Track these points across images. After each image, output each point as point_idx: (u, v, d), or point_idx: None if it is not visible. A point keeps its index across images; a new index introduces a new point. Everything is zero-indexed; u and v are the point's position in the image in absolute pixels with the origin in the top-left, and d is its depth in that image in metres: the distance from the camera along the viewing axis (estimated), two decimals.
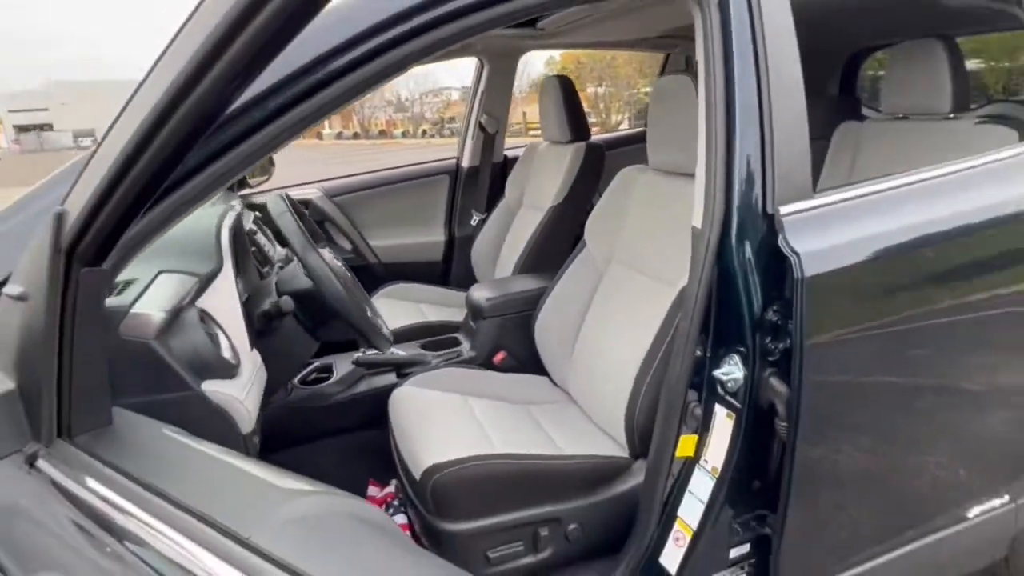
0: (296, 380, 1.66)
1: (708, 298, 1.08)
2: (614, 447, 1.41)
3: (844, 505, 1.18)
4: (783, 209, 1.04)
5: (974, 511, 1.33)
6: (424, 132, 32.89)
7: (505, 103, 2.48)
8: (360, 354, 1.71)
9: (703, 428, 1.14)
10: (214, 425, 0.89)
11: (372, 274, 2.49)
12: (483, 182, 2.55)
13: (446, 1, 0.85)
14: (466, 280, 2.53)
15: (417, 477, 1.25)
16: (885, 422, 1.14)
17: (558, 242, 2.11)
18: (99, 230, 0.56)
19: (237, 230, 1.27)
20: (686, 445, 1.17)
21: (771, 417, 1.08)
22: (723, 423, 1.11)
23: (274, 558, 0.47)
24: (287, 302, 1.17)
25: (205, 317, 0.95)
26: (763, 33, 1.06)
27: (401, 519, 1.51)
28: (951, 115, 1.71)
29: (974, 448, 1.29)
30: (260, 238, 1.48)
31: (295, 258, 1.20)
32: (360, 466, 1.70)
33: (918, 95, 1.72)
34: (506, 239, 2.35)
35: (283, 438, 1.63)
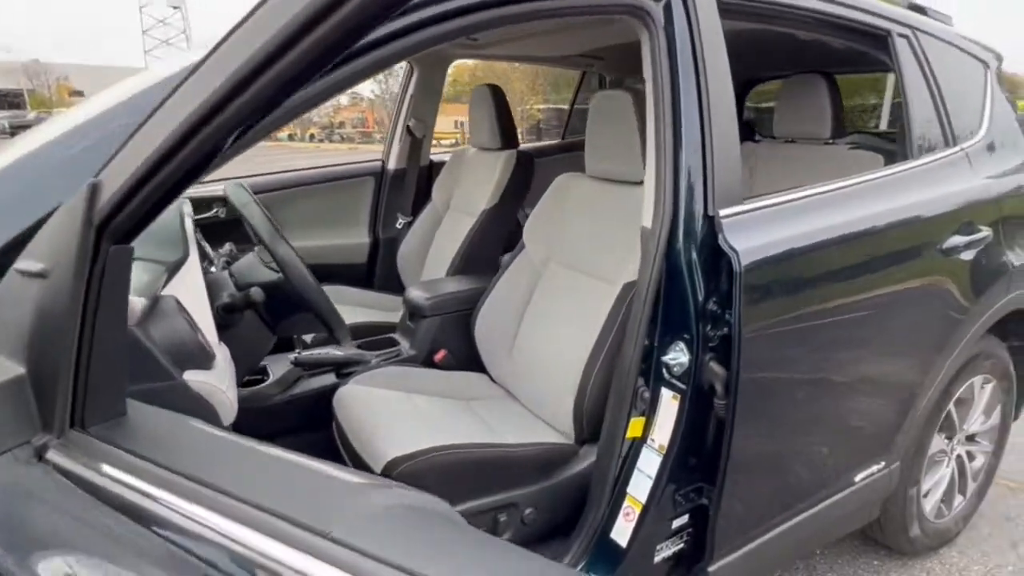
0: None
1: (657, 292, 1.20)
2: (558, 435, 1.49)
3: (768, 475, 1.35)
4: (722, 211, 1.18)
5: (860, 476, 1.56)
6: (312, 136, 31.67)
7: (433, 108, 2.52)
8: (297, 354, 1.66)
9: (650, 410, 1.25)
10: (198, 416, 0.85)
11: None
12: (409, 185, 2.56)
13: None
14: (390, 283, 2.52)
15: (378, 470, 1.25)
16: (801, 398, 1.32)
17: (489, 245, 2.18)
18: (136, 208, 0.54)
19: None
20: (635, 427, 1.27)
21: (711, 397, 1.21)
22: (669, 404, 1.22)
23: (377, 556, 0.45)
24: (257, 292, 1.13)
25: (179, 305, 0.91)
26: (702, 53, 1.20)
27: None
28: (830, 140, 2.00)
29: (866, 420, 1.51)
30: (195, 235, 1.41)
31: (255, 250, 1.16)
32: None
33: (805, 122, 1.98)
34: (434, 242, 2.37)
35: None
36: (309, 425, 1.61)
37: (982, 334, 1.70)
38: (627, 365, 1.24)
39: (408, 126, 2.48)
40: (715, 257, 1.18)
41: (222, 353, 0.97)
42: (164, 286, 0.90)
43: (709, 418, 1.24)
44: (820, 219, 1.28)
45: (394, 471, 1.22)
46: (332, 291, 2.30)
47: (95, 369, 0.57)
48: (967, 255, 1.56)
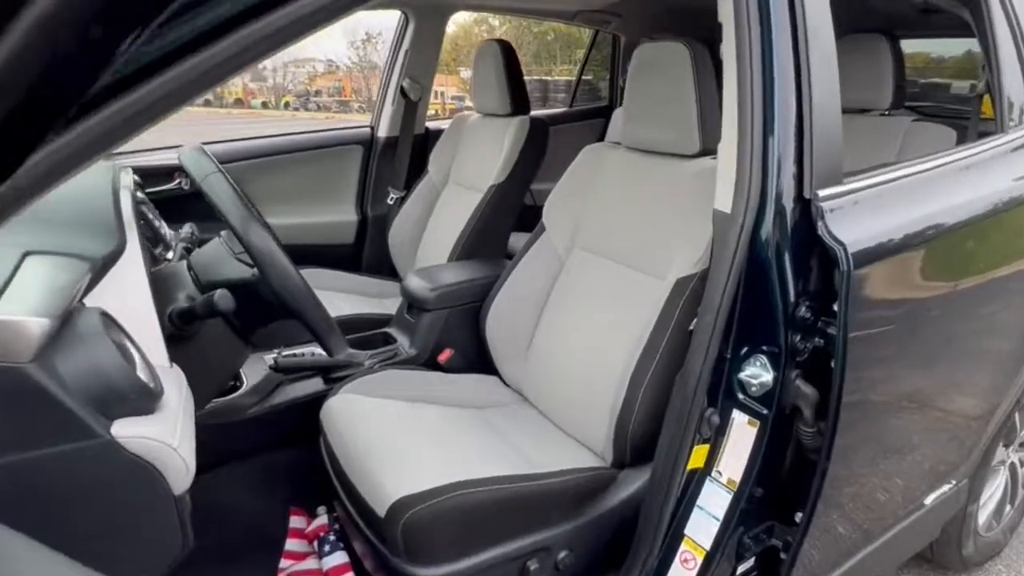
0: None
1: (736, 292, 0.96)
2: (591, 457, 1.26)
3: (852, 507, 1.13)
4: (821, 193, 0.94)
5: (931, 497, 1.37)
6: (287, 104, 30.57)
7: (431, 66, 2.21)
8: (275, 356, 1.39)
9: (719, 436, 1.02)
10: (132, 489, 0.59)
11: None
12: (402, 155, 2.26)
13: None
14: (380, 266, 2.25)
15: (381, 513, 1.00)
16: (897, 418, 1.10)
17: (498, 226, 1.91)
18: None
19: (134, 199, 0.92)
20: (697, 456, 1.04)
21: (796, 423, 0.99)
22: (744, 431, 0.99)
23: None
24: (225, 298, 0.85)
25: (107, 322, 0.64)
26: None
27: (340, 558, 1.24)
28: (887, 112, 1.76)
29: (949, 435, 1.31)
30: (146, 210, 1.11)
31: (221, 235, 0.88)
32: (281, 491, 1.40)
33: (860, 89, 1.74)
34: (430, 221, 2.10)
35: None
36: (293, 440, 1.35)
37: None
38: (692, 381, 1.00)
39: (402, 87, 2.17)
40: (810, 250, 0.94)
41: (173, 382, 0.70)
42: (85, 293, 0.63)
43: (791, 448, 1.01)
44: (935, 201, 1.05)
45: (403, 516, 0.97)
46: (313, 275, 2.02)
47: None
48: None
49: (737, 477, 1.00)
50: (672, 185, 1.28)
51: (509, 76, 1.88)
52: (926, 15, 1.93)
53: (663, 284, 1.20)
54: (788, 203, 0.93)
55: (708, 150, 1.21)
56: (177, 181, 1.94)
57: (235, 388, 1.35)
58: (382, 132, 2.26)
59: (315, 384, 1.43)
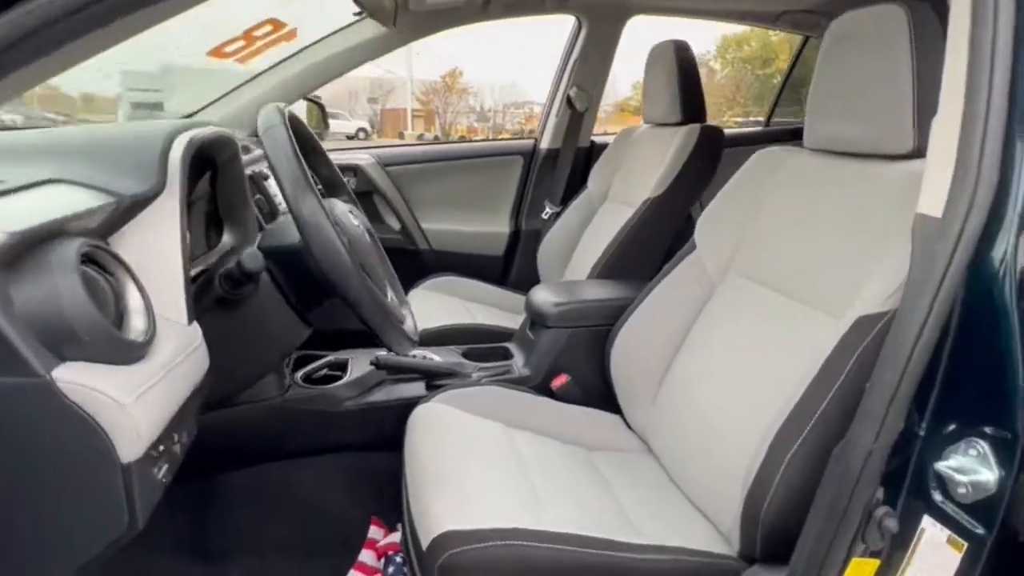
0: (299, 376, 1.30)
1: (942, 335, 0.64)
2: (716, 540, 0.97)
3: None
4: None
5: None
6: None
7: (602, 76, 2.09)
8: (383, 352, 1.34)
9: (896, 550, 0.69)
10: (68, 442, 0.52)
11: (420, 261, 2.15)
12: (562, 168, 2.16)
13: None
14: (529, 282, 2.14)
15: (424, 545, 0.85)
16: None
17: (649, 244, 1.69)
18: None
19: (217, 156, 0.92)
20: (858, 572, 0.71)
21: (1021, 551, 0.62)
22: (940, 553, 0.65)
23: None
24: (252, 258, 0.79)
25: (105, 259, 0.59)
26: None
27: None
28: None
29: None
30: (272, 185, 1.14)
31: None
32: (366, 495, 1.33)
33: None
34: (583, 237, 1.94)
35: (269, 447, 1.27)
36: (382, 444, 1.27)
37: None
38: (856, 461, 0.69)
39: (568, 96, 2.07)
40: None
41: (182, 340, 0.64)
42: (107, 228, 0.59)
43: None
44: None
45: (443, 553, 0.81)
46: (449, 281, 2.00)
47: None
48: None
49: None
50: (869, 194, 0.96)
51: (682, 80, 1.66)
52: None
53: (839, 323, 0.88)
54: None
55: (924, 149, 0.88)
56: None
57: (338, 378, 1.31)
58: (544, 143, 2.19)
59: (417, 388, 1.34)
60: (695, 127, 1.64)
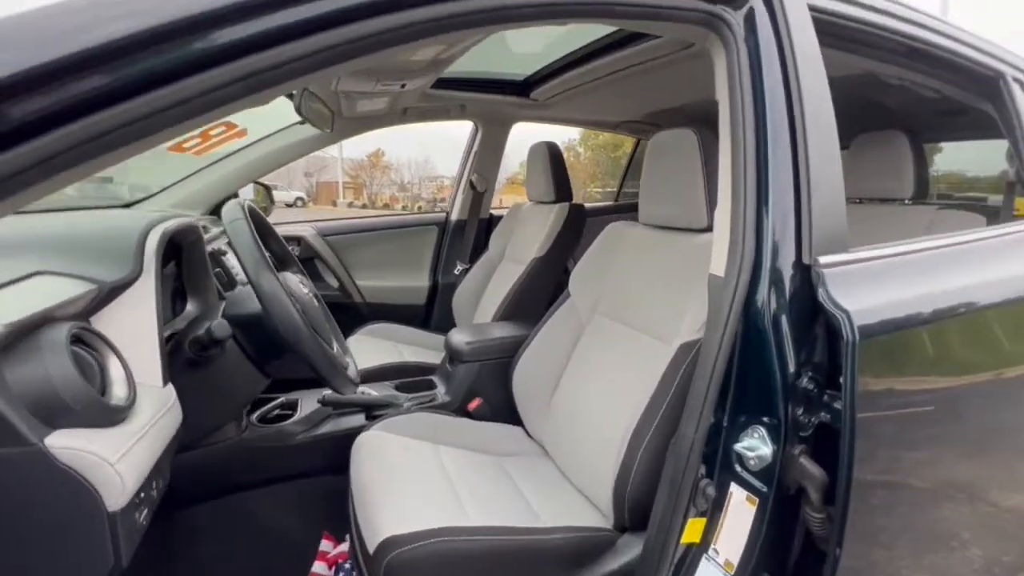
0: (255, 417, 1.23)
1: (730, 357, 0.75)
2: (596, 516, 1.03)
3: None
4: (821, 260, 0.73)
5: None
6: (419, 208, 33.07)
7: (495, 165, 2.20)
8: (327, 392, 1.30)
9: (715, 511, 0.78)
10: (60, 501, 0.49)
11: (356, 312, 2.10)
12: (469, 235, 2.23)
13: None
14: (446, 325, 2.16)
15: (371, 550, 0.84)
16: (938, 512, 0.81)
17: (537, 293, 1.78)
18: None
19: (183, 240, 0.90)
20: (692, 530, 0.80)
21: (801, 506, 0.73)
22: (742, 507, 0.75)
23: None
24: (221, 327, 0.78)
25: (89, 338, 0.57)
26: (796, 69, 0.78)
27: None
28: (908, 201, 1.48)
29: (998, 532, 0.95)
30: (229, 259, 1.10)
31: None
32: (316, 515, 1.26)
33: (880, 179, 1.49)
34: (487, 289, 2.01)
35: (230, 482, 1.19)
36: (330, 469, 1.23)
37: None
38: (685, 448, 0.78)
39: (471, 180, 2.17)
40: (812, 317, 0.72)
41: (158, 401, 0.62)
42: (89, 311, 0.57)
43: (798, 533, 0.75)
44: (949, 278, 0.80)
45: (387, 555, 0.80)
46: (382, 328, 1.98)
47: None
48: None
49: (735, 559, 0.75)
50: (682, 256, 1.10)
51: (553, 171, 1.81)
52: (950, 117, 1.66)
53: (669, 349, 1.00)
54: (785, 268, 0.73)
55: None
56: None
57: (289, 416, 1.26)
58: (454, 216, 2.25)
59: (358, 419, 1.31)
60: (565, 205, 1.78)
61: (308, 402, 1.32)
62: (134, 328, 0.64)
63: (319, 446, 1.24)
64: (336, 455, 1.23)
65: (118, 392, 0.57)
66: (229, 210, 0.82)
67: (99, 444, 0.51)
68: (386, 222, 2.21)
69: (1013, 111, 1.13)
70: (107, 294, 0.62)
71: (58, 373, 0.49)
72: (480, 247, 2.19)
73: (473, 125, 2.17)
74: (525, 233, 1.89)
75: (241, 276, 1.12)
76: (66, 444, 0.49)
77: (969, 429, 0.83)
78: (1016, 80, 1.16)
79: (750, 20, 0.79)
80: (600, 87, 1.67)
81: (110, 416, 0.54)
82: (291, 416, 1.26)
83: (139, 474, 0.55)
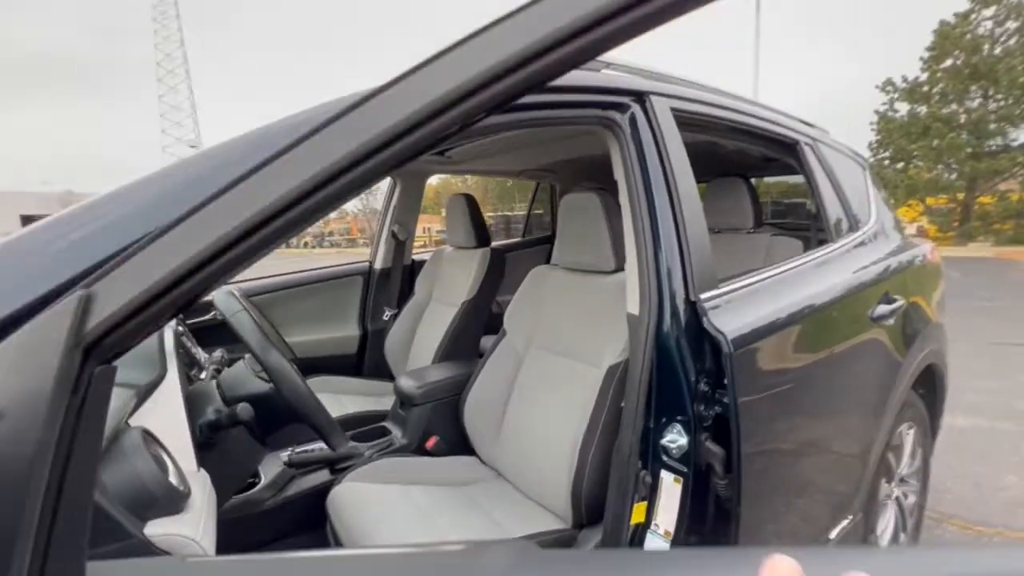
0: None
1: (650, 375, 1.00)
2: (555, 520, 1.22)
3: (773, 544, 1.11)
4: (702, 296, 1.01)
5: (834, 532, 1.34)
6: (306, 244, 31.21)
7: (414, 215, 2.34)
8: (289, 453, 1.34)
9: (653, 494, 1.01)
10: None
11: None
12: (394, 282, 2.33)
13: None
14: (379, 370, 2.23)
15: None
16: (791, 466, 1.11)
17: (471, 333, 1.94)
18: (135, 327, 0.32)
19: (176, 331, 0.93)
20: (638, 513, 1.02)
21: (711, 477, 0.99)
22: (671, 487, 0.99)
23: None
24: (246, 410, 0.85)
25: (147, 438, 0.63)
26: (667, 154, 1.06)
27: None
28: (752, 230, 1.92)
29: (838, 476, 1.31)
30: (185, 340, 1.12)
31: (245, 358, 0.89)
32: None
33: (729, 215, 1.91)
34: (418, 331, 2.12)
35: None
36: (304, 527, 1.27)
37: (909, 386, 1.56)
38: (625, 449, 1.01)
39: (393, 231, 2.29)
40: (701, 339, 0.99)
41: (202, 485, 0.69)
42: (131, 414, 0.63)
43: (711, 499, 1.00)
44: (786, 297, 1.13)
45: None
46: (322, 381, 2.00)
47: (60, 527, 0.31)
48: (891, 321, 1.45)
49: (672, 528, 0.98)
50: (599, 294, 1.35)
51: (472, 219, 2.00)
52: (770, 162, 2.16)
53: (598, 371, 1.23)
54: (680, 305, 1.00)
55: (621, 267, 1.30)
56: (212, 313, 1.94)
57: (254, 484, 1.28)
58: (378, 264, 2.33)
59: (323, 476, 1.36)
60: (487, 250, 1.98)
61: (268, 468, 1.34)
62: (168, 421, 0.70)
63: (290, 507, 1.28)
64: (308, 513, 1.28)
65: (175, 481, 0.64)
66: (225, 303, 0.88)
67: (183, 527, 0.58)
68: (308, 276, 2.23)
69: (807, 166, 1.57)
70: (143, 395, 0.68)
71: (146, 471, 0.56)
72: (406, 292, 2.29)
73: (391, 180, 2.29)
74: (453, 276, 2.06)
75: (198, 355, 1.15)
76: (161, 531, 0.56)
77: (816, 396, 1.17)
78: (808, 144, 1.61)
79: (633, 122, 1.07)
80: (506, 146, 1.92)
81: (181, 503, 0.61)
82: (256, 483, 1.28)
83: (211, 547, 0.62)
